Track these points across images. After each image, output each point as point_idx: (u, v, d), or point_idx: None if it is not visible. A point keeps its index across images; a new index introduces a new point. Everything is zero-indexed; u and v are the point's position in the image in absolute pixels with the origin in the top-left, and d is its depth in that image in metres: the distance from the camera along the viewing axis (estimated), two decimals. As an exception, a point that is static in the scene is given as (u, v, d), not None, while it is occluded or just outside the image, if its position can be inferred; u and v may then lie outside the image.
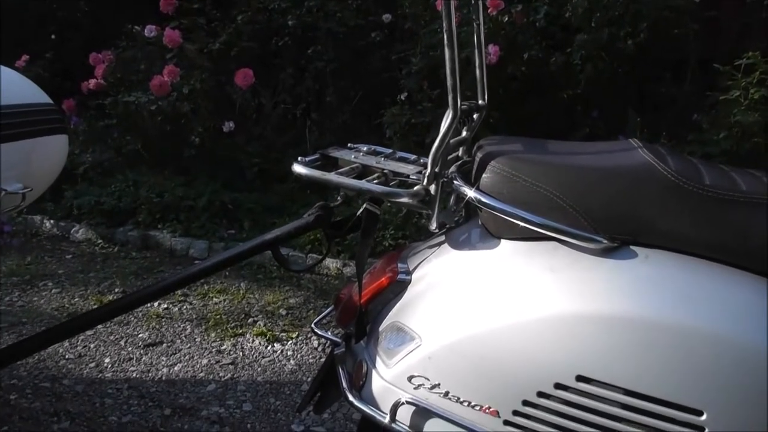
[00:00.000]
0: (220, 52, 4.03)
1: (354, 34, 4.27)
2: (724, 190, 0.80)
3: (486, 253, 0.92)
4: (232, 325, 2.48)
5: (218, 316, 2.54)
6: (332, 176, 0.95)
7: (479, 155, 0.94)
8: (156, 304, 2.68)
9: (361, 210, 1.02)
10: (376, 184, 0.98)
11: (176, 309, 2.63)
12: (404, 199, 0.93)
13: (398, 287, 1.02)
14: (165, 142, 3.88)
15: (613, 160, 0.90)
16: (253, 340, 2.35)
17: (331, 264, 3.06)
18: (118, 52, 4.01)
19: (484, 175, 0.91)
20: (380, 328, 1.00)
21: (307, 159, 1.05)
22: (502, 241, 0.92)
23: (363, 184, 0.93)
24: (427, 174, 0.94)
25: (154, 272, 3.07)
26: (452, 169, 0.99)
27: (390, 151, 1.24)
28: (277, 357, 2.24)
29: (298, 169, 0.99)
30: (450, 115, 0.88)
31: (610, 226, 0.82)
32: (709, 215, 0.79)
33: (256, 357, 2.23)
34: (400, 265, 1.06)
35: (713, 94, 3.24)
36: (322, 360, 2.20)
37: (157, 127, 3.82)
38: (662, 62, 4.10)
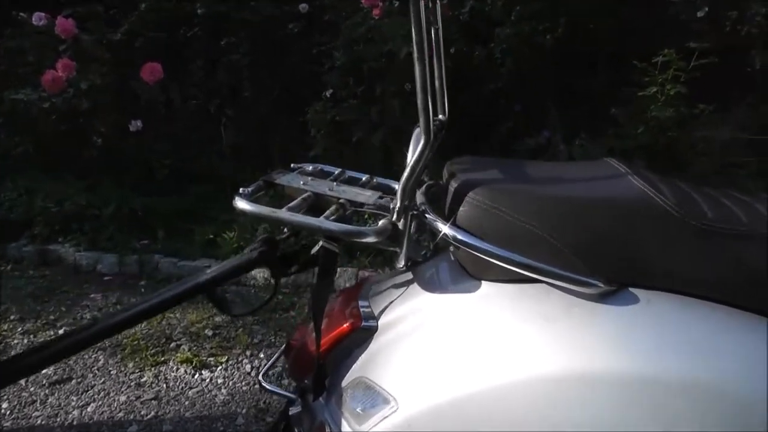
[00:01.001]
0: (122, 43, 3.68)
1: (270, 25, 4.04)
2: (728, 223, 0.73)
3: (465, 297, 0.81)
4: (153, 351, 2.24)
5: (135, 342, 2.30)
6: (284, 214, 0.80)
7: (453, 184, 0.83)
8: (60, 332, 2.39)
9: (316, 248, 0.88)
10: (334, 219, 0.84)
11: (85, 336, 2.35)
12: (370, 239, 0.80)
13: (362, 335, 0.89)
14: (61, 143, 3.50)
15: (604, 189, 0.81)
16: (178, 369, 2.13)
17: (259, 274, 2.87)
18: (1, 42, 3.56)
19: (461, 209, 0.79)
20: (343, 384, 0.87)
21: (249, 189, 0.89)
22: (483, 283, 0.81)
23: (322, 222, 0.79)
24: (396, 208, 0.81)
25: (56, 293, 2.75)
26: (419, 198, 0.87)
27: (338, 170, 1.10)
28: (206, 386, 2.04)
29: (241, 205, 0.83)
30: (422, 141, 0.76)
31: (605, 266, 0.73)
32: (714, 252, 0.72)
33: (182, 388, 2.03)
34: (362, 307, 0.93)
35: (629, 89, 3.33)
36: (256, 387, 2.03)
37: (51, 127, 3.43)
38: (578, 57, 4.19)
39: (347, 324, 0.90)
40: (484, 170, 0.87)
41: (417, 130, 0.87)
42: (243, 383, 2.07)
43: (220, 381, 2.08)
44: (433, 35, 1.07)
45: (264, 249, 0.97)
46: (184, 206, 3.47)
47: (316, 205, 0.92)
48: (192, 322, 2.48)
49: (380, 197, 0.97)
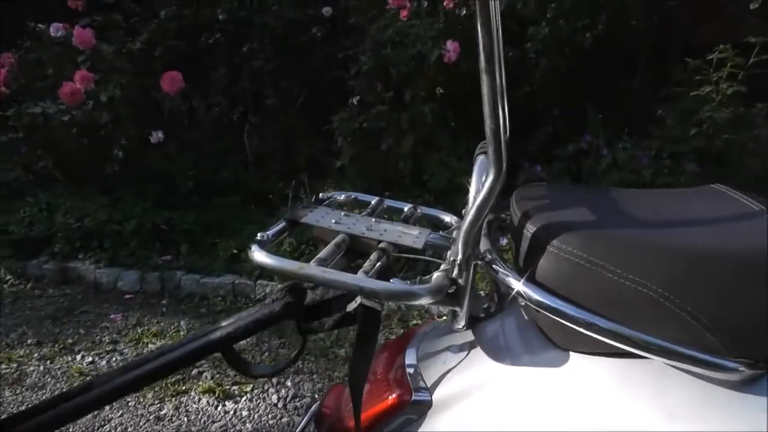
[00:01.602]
0: (142, 53, 3.57)
1: (293, 30, 3.90)
2: None
3: (548, 374, 0.63)
4: (173, 380, 2.10)
5: (155, 369, 2.15)
6: (314, 270, 0.63)
7: (529, 227, 0.65)
8: (78, 357, 2.26)
9: (354, 304, 0.71)
10: (377, 270, 0.66)
11: (103, 362, 2.23)
12: (423, 301, 0.62)
13: (413, 412, 0.72)
14: (82, 157, 3.40)
15: (735, 233, 0.62)
16: (200, 400, 1.98)
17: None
18: (20, 54, 3.48)
19: (542, 262, 0.61)
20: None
21: (269, 234, 0.72)
22: (572, 355, 0.63)
23: (362, 281, 0.61)
24: (457, 261, 0.63)
25: (75, 313, 2.63)
26: (484, 244, 0.69)
27: (375, 200, 0.93)
28: (229, 420, 1.89)
29: (259, 258, 0.67)
30: (492, 173, 0.58)
31: (750, 342, 0.55)
32: None
33: (204, 422, 1.88)
34: (410, 373, 0.75)
35: (678, 89, 3.09)
36: (284, 421, 1.87)
37: (71, 141, 3.33)
38: (617, 56, 3.96)
39: (393, 396, 0.73)
40: (565, 205, 0.69)
41: (481, 159, 0.69)
42: (269, 416, 1.91)
43: (245, 413, 1.92)
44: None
45: (289, 300, 0.80)
46: (207, 219, 3.34)
47: (352, 249, 0.74)
48: (215, 346, 2.32)
49: (430, 236, 0.79)
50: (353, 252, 0.76)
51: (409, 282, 0.69)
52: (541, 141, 3.37)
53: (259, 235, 0.70)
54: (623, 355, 0.59)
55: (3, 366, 2.18)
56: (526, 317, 0.70)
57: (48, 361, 2.23)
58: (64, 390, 1.96)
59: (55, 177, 3.40)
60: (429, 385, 0.73)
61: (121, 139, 3.37)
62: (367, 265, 0.66)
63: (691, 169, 2.87)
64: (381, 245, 0.72)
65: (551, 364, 0.64)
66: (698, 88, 2.82)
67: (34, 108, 3.19)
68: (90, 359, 2.24)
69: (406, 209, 0.92)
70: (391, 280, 0.69)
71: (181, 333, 2.45)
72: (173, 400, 1.98)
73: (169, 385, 2.07)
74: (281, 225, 0.76)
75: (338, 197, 0.93)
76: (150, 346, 2.35)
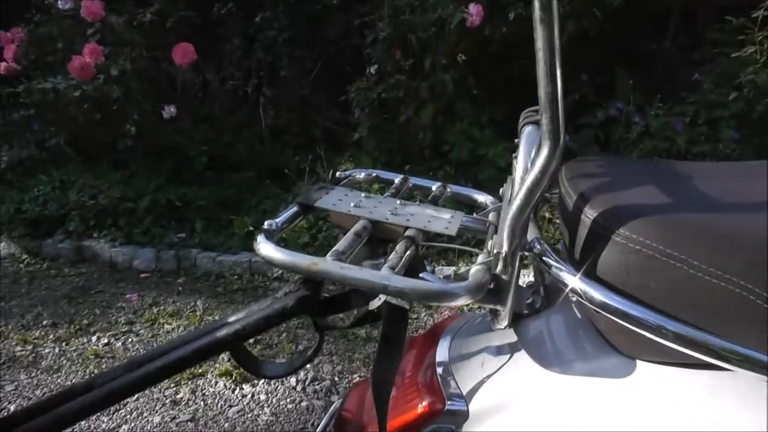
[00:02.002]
0: (153, 25, 3.46)
1: (307, -3, 3.76)
2: None
3: (611, 386, 0.53)
4: (189, 362, 2.04)
5: (171, 351, 2.10)
6: (331, 265, 0.53)
7: (588, 211, 0.54)
8: (94, 338, 2.22)
9: (378, 302, 0.61)
10: (405, 263, 0.56)
11: (119, 344, 2.18)
12: (462, 301, 0.52)
13: (446, 423, 0.62)
14: (95, 133, 3.33)
15: None
16: (216, 383, 1.93)
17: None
18: (29, 28, 3.39)
19: (604, 254, 0.51)
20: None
21: (278, 222, 0.62)
22: (640, 364, 0.53)
23: (388, 279, 0.51)
24: (503, 253, 0.53)
25: (90, 293, 2.59)
26: (532, 231, 0.58)
27: (399, 177, 0.82)
28: (247, 404, 1.83)
29: (266, 251, 0.57)
30: (546, 149, 0.47)
31: None
32: None
33: (221, 407, 1.82)
34: (443, 377, 0.66)
35: (717, 49, 2.91)
36: (302, 405, 1.80)
37: (84, 117, 3.26)
38: (648, 17, 3.75)
39: (424, 405, 0.63)
40: (628, 184, 0.58)
41: (529, 129, 0.58)
42: (288, 400, 1.85)
43: (262, 398, 1.86)
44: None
45: (304, 294, 0.70)
46: (222, 196, 3.27)
47: (375, 236, 0.64)
48: (232, 327, 2.26)
49: (464, 220, 0.68)
50: (377, 240, 0.66)
51: (442, 277, 0.59)
52: (568, 108, 3.21)
53: (266, 223, 0.60)
54: (706, 367, 0.48)
55: (18, 348, 2.15)
56: (579, 316, 0.60)
57: (64, 343, 2.19)
58: (73, 382, 1.91)
59: (68, 154, 3.34)
60: (464, 393, 0.63)
61: (134, 114, 3.29)
62: (392, 257, 0.56)
63: (729, 135, 2.71)
64: (408, 233, 0.62)
65: (613, 374, 0.53)
66: (740, 49, 2.63)
67: (45, 84, 3.11)
68: (105, 341, 2.19)
69: (434, 188, 0.81)
70: (421, 275, 0.59)
71: (198, 313, 2.40)
72: (189, 383, 1.92)
73: (186, 367, 2.01)
74: (293, 210, 0.66)
75: (357, 175, 0.83)
76: (166, 326, 2.30)
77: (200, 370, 1.99)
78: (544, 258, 0.54)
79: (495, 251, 0.53)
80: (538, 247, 0.56)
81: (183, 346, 0.75)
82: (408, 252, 0.58)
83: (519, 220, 0.50)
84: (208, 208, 3.14)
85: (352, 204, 0.67)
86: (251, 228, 2.93)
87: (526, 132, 0.57)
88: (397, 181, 0.81)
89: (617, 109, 3.02)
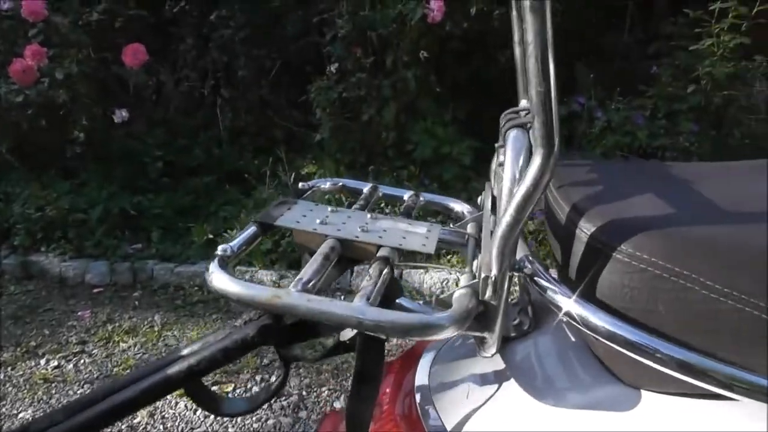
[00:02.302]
0: (101, 25, 3.29)
1: (264, -6, 3.64)
2: None
3: (614, 419, 0.47)
4: (148, 381, 1.92)
5: (128, 371, 1.99)
6: (297, 299, 0.46)
7: (584, 225, 0.48)
8: (43, 361, 2.08)
9: (349, 335, 0.54)
10: (380, 288, 0.49)
11: (71, 366, 2.05)
12: (447, 333, 0.45)
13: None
14: (41, 140, 3.15)
15: None
16: (177, 404, 1.82)
17: (266, 277, 2.55)
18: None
19: (606, 274, 0.45)
20: None
21: (234, 246, 0.54)
22: (645, 395, 0.47)
23: (363, 311, 0.44)
24: (491, 277, 0.46)
25: (39, 312, 2.44)
26: (522, 248, 0.52)
27: (368, 187, 0.75)
28: (210, 426, 1.73)
29: (219, 282, 0.49)
30: (539, 157, 0.41)
31: None
32: None
33: (182, 430, 1.72)
34: (424, 406, 0.59)
35: (673, 43, 2.93)
36: (269, 423, 1.72)
37: (28, 123, 3.07)
38: (606, 11, 3.77)
39: (403, 442, 0.56)
40: (625, 192, 0.52)
41: (514, 134, 0.51)
42: (253, 419, 1.76)
43: (226, 417, 1.77)
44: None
45: (266, 322, 0.63)
46: (179, 203, 3.14)
47: (345, 255, 0.57)
48: (192, 339, 2.15)
49: (442, 233, 0.62)
50: (346, 259, 0.59)
51: (422, 303, 0.52)
52: (531, 105, 3.20)
53: (220, 248, 0.53)
54: (722, 397, 0.43)
55: (-41, 375, 2.00)
56: (572, 338, 0.54)
57: (9, 368, 2.04)
58: (19, 410, 1.78)
59: (11, 163, 3.15)
60: (447, 426, 0.56)
61: (82, 119, 3.12)
62: (366, 285, 0.49)
63: (688, 128, 2.73)
64: (381, 252, 0.55)
65: (614, 406, 0.48)
66: (697, 42, 2.65)
67: (-17, 89, 2.92)
68: (56, 363, 2.05)
69: (406, 197, 0.74)
70: (398, 301, 0.52)
71: (156, 328, 2.28)
72: (148, 405, 1.81)
73: (144, 387, 1.89)
74: (250, 230, 0.58)
75: (322, 186, 0.76)
76: (121, 345, 2.17)
77: (160, 390, 1.87)
78: (535, 279, 0.48)
79: (482, 275, 0.46)
80: (529, 266, 0.49)
81: (131, 386, 0.67)
82: (383, 275, 0.51)
83: (509, 240, 0.44)
84: (165, 217, 3.01)
85: (317, 220, 0.59)
86: (211, 236, 2.82)
87: (512, 137, 0.51)
88: (365, 190, 0.74)
89: (579, 104, 3.02)
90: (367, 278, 0.50)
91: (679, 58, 2.91)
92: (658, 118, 2.90)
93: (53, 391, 1.91)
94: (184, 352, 0.67)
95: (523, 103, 0.69)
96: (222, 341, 0.64)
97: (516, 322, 0.58)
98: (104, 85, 3.39)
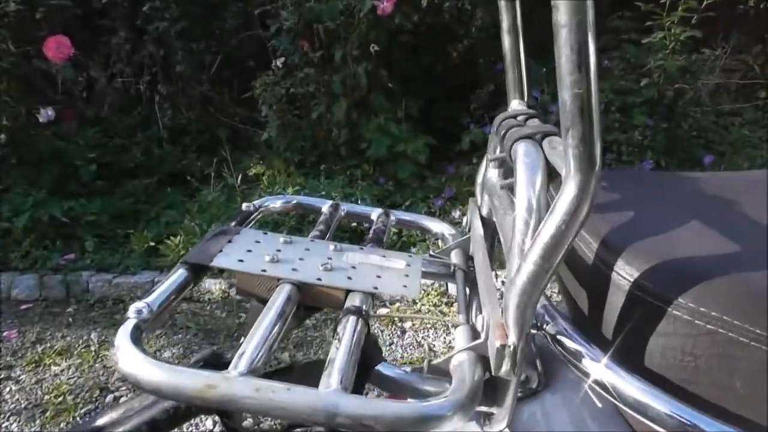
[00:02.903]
0: (20, 16, 3.01)
1: (201, -17, 3.43)
2: None
3: None
4: (84, 410, 1.75)
5: (60, 399, 1.80)
6: (241, 387, 0.34)
7: (624, 270, 0.37)
8: (-39, 392, 1.86)
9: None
10: (353, 359, 0.37)
11: (-6, 396, 1.84)
12: (450, 426, 0.34)
13: None
14: (-44, 143, 2.86)
15: None
16: None
17: (214, 286, 2.38)
18: None
19: (658, 335, 0.34)
20: None
21: (151, 304, 0.41)
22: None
23: (334, 400, 0.32)
24: (509, 346, 0.35)
25: (-42, 335, 2.19)
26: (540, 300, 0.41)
27: (327, 205, 0.63)
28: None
29: (129, 365, 0.36)
30: (574, 188, 0.30)
31: None
32: None
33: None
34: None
35: (625, 37, 2.92)
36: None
37: (-61, 125, 2.79)
38: (546, 7, 3.75)
39: None
40: (662, 219, 0.42)
41: (525, 149, 0.40)
42: (204, 446, 1.61)
43: (173, 446, 1.61)
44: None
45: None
46: (117, 207, 2.92)
47: (304, 301, 0.45)
48: (133, 362, 1.98)
49: (424, 265, 0.51)
50: (305, 307, 0.47)
51: (407, 370, 0.41)
52: (484, 99, 3.13)
53: (133, 307, 0.40)
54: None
55: None
56: (599, 404, 0.44)
57: None
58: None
59: (-77, 169, 2.85)
60: None
61: (2, 119, 2.85)
62: (334, 353, 0.37)
63: (643, 122, 2.72)
64: (352, 299, 0.43)
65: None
66: (648, 35, 2.64)
67: None
68: (-24, 393, 1.84)
69: (374, 216, 0.63)
70: (378, 368, 0.41)
71: (92, 348, 2.08)
72: (83, 437, 1.63)
73: (78, 418, 1.71)
74: (177, 276, 0.45)
75: (272, 204, 0.63)
76: (53, 368, 1.97)
77: (96, 420, 1.70)
78: (559, 338, 0.37)
79: (494, 343, 0.35)
80: (550, 321, 0.39)
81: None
82: (356, 334, 0.40)
83: (532, 296, 0.33)
84: (100, 223, 2.78)
85: (266, 257, 0.47)
86: (152, 243, 2.62)
87: (522, 151, 0.40)
88: (325, 209, 0.62)
89: (534, 99, 2.97)
90: (335, 342, 0.38)
91: (629, 51, 2.90)
92: (612, 111, 2.88)
93: (-27, 427, 1.70)
94: (100, 421, 0.54)
95: (515, 104, 0.58)
96: (149, 409, 0.51)
97: (523, 379, 0.47)
98: (27, 82, 3.12)
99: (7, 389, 1.87)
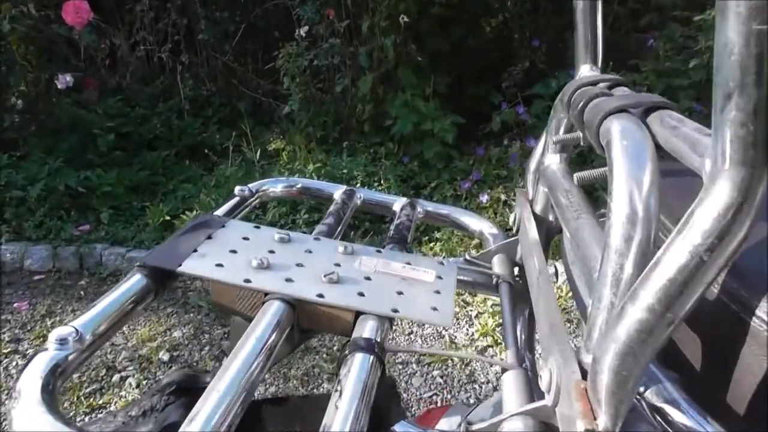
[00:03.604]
0: (41, -21, 2.93)
1: (226, -51, 3.31)
2: None
3: None
4: (89, 389, 1.69)
5: (65, 377, 1.73)
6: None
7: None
8: (-33, 364, 1.81)
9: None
10: (360, 418, 0.26)
11: (0, 369, 1.79)
12: None
13: None
14: (-27, 108, 2.81)
15: None
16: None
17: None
18: None
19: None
20: None
21: (84, 329, 0.30)
22: None
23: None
24: (598, 427, 0.23)
25: (-31, 304, 2.15)
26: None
27: (341, 189, 0.52)
28: None
29: None
30: (729, 189, 0.18)
31: None
32: None
33: (124, 450, 1.48)
34: None
35: (676, 13, 2.72)
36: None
37: (-42, 88, 2.74)
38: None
39: None
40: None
41: (621, 126, 0.28)
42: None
43: (178, 433, 1.53)
44: None
45: (176, 416, 0.40)
46: (134, 179, 2.85)
47: (299, 327, 0.34)
48: (142, 340, 1.91)
49: (460, 274, 0.39)
50: (300, 331, 0.35)
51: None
52: (518, 77, 2.97)
53: (55, 334, 0.29)
54: None
55: None
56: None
57: (-74, 372, 1.77)
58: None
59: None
60: None
61: (20, 84, 2.78)
62: (335, 409, 0.25)
63: (690, 107, 2.53)
64: (363, 326, 0.32)
65: None
66: (702, 12, 2.44)
67: None
68: (-18, 366, 1.79)
69: (397, 206, 0.51)
70: (396, 429, 0.29)
71: (102, 324, 2.02)
72: (86, 419, 1.57)
73: (82, 398, 1.65)
74: (131, 285, 0.34)
75: (272, 188, 0.52)
76: (61, 343, 1.91)
77: (101, 401, 1.64)
78: (666, 412, 0.25)
79: (569, 416, 0.23)
80: (651, 384, 0.27)
81: None
82: (368, 377, 0.28)
83: (639, 359, 0.21)
84: (116, 195, 2.72)
85: (253, 261, 0.36)
86: (168, 217, 2.55)
87: (619, 131, 0.28)
88: (337, 196, 0.50)
89: (571, 78, 2.79)
90: (337, 388, 0.27)
91: (675, 31, 2.71)
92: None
93: (-25, 402, 1.64)
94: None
95: (586, 71, 0.46)
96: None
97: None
98: (48, 48, 3.05)
99: (14, 363, 1.82)
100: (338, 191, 0.51)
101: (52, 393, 0.25)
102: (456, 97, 2.96)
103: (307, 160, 2.68)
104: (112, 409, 1.61)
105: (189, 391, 0.42)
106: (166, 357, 1.82)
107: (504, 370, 0.30)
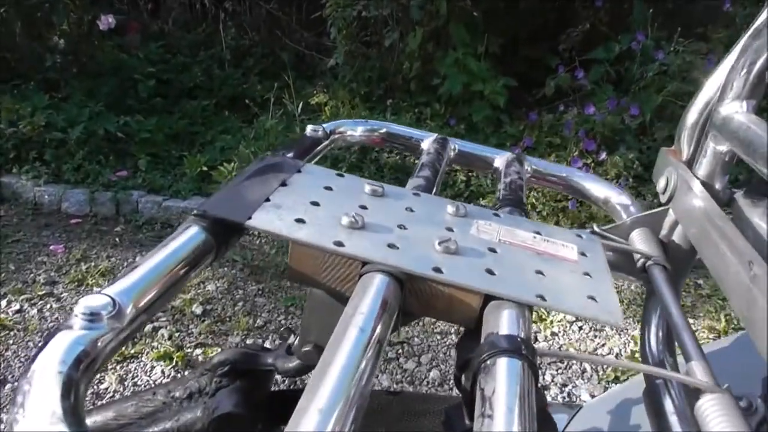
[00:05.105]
0: None
1: None
2: None
3: None
4: (120, 337, 1.65)
5: (99, 323, 1.71)
6: None
7: None
8: (3, 303, 1.80)
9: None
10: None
11: (34, 311, 1.77)
12: None
13: None
14: (16, 46, 2.77)
15: None
16: (153, 368, 1.55)
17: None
18: None
19: None
20: None
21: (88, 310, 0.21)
22: None
23: None
24: None
25: (7, 242, 2.14)
26: None
27: (431, 137, 0.42)
28: (189, 399, 1.46)
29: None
30: None
31: None
32: None
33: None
34: None
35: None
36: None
37: (3, 26, 2.69)
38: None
39: None
40: None
41: None
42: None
43: (210, 388, 1.50)
44: None
45: (234, 396, 0.32)
46: (173, 127, 2.79)
47: (405, 311, 0.25)
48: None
49: (599, 253, 0.30)
50: (404, 311, 0.27)
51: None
52: (576, 40, 2.78)
53: (83, 305, 0.20)
54: None
55: None
56: None
57: (-36, 308, 1.77)
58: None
59: (-16, 70, 2.79)
60: None
61: (63, 23, 2.73)
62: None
63: None
64: (494, 314, 0.23)
65: None
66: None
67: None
68: (17, 307, 1.78)
69: (499, 162, 0.41)
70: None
71: (136, 272, 1.99)
72: (118, 368, 1.54)
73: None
74: (187, 240, 0.25)
75: (350, 131, 0.43)
76: (95, 289, 1.89)
77: (133, 351, 1.61)
78: None
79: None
80: None
81: None
82: (524, 393, 0.19)
83: None
84: (155, 142, 2.67)
85: (344, 218, 0.27)
86: (205, 168, 2.49)
87: None
88: (426, 145, 0.41)
89: (636, 43, 2.60)
90: (481, 413, 0.18)
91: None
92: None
93: (10, 341, 1.64)
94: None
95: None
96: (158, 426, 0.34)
97: None
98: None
99: (48, 306, 1.81)
100: (428, 139, 0.42)
101: (75, 395, 0.17)
102: (509, 58, 2.80)
103: (349, 116, 2.58)
104: (143, 360, 1.59)
105: (245, 373, 0.35)
106: (199, 310, 1.78)
107: (697, 392, 0.21)
